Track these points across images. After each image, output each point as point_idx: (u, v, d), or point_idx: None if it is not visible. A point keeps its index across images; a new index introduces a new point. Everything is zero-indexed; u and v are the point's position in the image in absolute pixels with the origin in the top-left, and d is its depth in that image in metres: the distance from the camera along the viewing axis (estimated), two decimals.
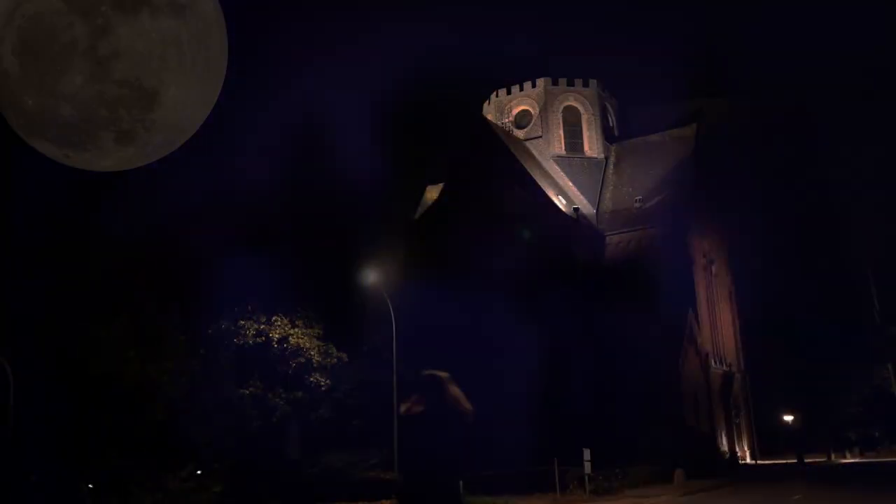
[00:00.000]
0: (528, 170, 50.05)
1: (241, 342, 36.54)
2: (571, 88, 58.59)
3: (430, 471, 4.83)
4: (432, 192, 55.43)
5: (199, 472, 25.21)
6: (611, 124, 59.87)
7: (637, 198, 52.26)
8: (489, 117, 57.99)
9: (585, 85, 58.85)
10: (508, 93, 60.02)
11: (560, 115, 57.64)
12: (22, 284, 40.93)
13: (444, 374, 5.15)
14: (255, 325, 37.14)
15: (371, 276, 34.00)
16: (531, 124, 57.93)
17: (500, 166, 49.29)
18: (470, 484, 22.31)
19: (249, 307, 37.84)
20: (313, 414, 37.64)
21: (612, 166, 56.00)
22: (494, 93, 60.86)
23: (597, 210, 53.45)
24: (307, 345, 37.56)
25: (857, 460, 53.30)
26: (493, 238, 46.63)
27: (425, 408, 5.01)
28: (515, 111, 58.95)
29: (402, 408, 5.11)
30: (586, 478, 26.50)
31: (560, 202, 49.65)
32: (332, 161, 53.83)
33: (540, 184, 49.47)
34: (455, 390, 5.12)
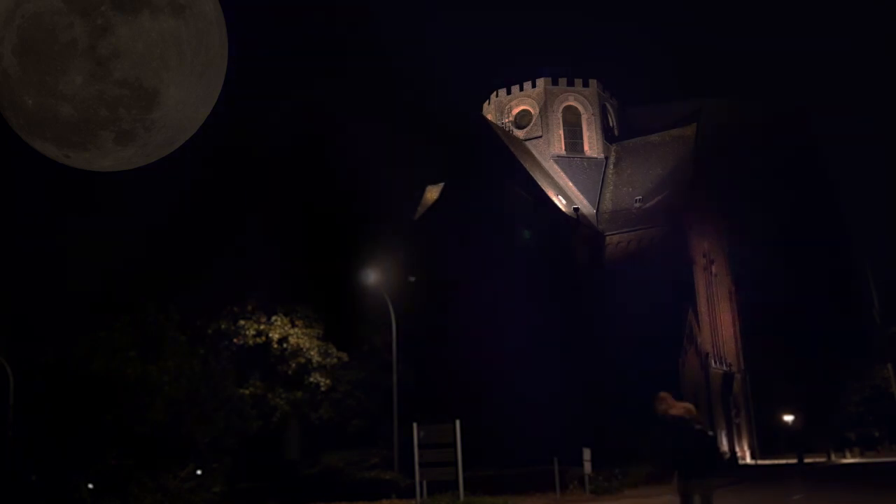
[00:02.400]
0: (528, 170, 50.03)
1: (241, 342, 36.55)
2: (571, 88, 58.58)
3: (700, 451, 9.23)
4: (432, 192, 55.40)
5: (199, 472, 25.19)
6: (611, 124, 59.86)
7: (637, 198, 52.26)
8: (489, 117, 57.98)
9: (585, 85, 58.84)
10: (508, 93, 60.02)
11: (560, 115, 57.63)
12: (22, 284, 40.94)
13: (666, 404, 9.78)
14: (255, 325, 37.15)
15: (371, 276, 33.98)
16: (531, 124, 57.92)
17: (500, 166, 49.29)
18: (470, 484, 22.31)
19: (249, 307, 37.86)
20: (313, 414, 37.64)
21: (612, 166, 55.99)
22: (494, 93, 60.86)
23: (597, 210, 53.44)
24: (307, 345, 37.56)
25: (857, 460, 53.25)
26: (493, 238, 46.62)
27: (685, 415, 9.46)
28: (515, 111, 58.93)
29: (663, 406, 9.70)
30: (586, 478, 26.49)
31: (560, 202, 49.64)
32: (332, 161, 53.81)
33: (540, 184, 49.46)
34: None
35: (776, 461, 49.64)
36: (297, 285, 40.01)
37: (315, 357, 37.63)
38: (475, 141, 51.63)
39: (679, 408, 9.72)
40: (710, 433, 10.10)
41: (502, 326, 44.21)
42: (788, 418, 57.18)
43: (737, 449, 48.63)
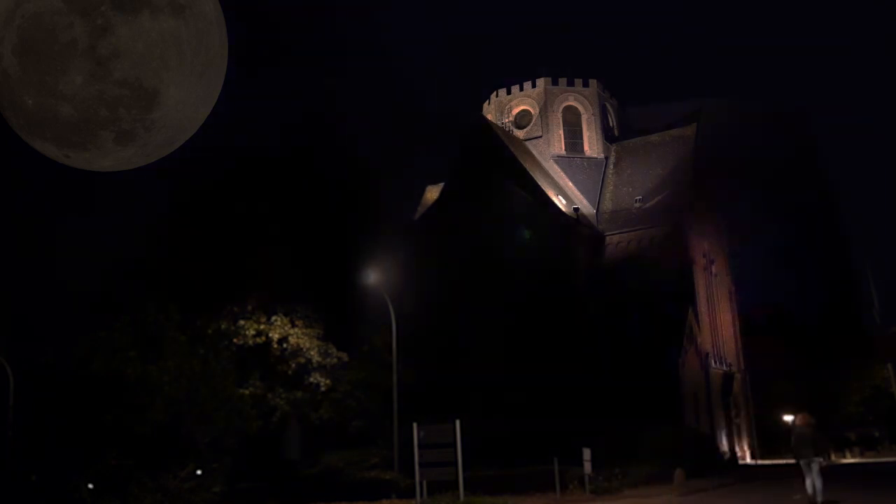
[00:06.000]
0: (528, 170, 50.00)
1: (241, 342, 36.57)
2: (571, 88, 58.53)
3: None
4: (432, 192, 55.39)
5: (199, 472, 25.19)
6: (611, 124, 59.83)
7: (637, 198, 52.23)
8: (489, 117, 57.97)
9: (585, 85, 58.81)
10: (508, 93, 59.99)
11: (560, 115, 57.59)
12: (22, 284, 40.94)
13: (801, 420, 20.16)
14: (255, 325, 37.17)
15: (371, 276, 33.97)
16: (531, 124, 57.89)
17: (500, 166, 49.26)
18: (470, 484, 22.30)
19: (249, 307, 37.88)
20: (313, 414, 37.67)
21: (612, 166, 55.96)
22: (494, 93, 60.85)
23: (597, 210, 53.41)
24: (307, 345, 37.59)
25: (857, 460, 53.23)
26: (493, 238, 46.61)
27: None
28: (515, 111, 58.90)
29: (811, 419, 20.51)
30: (586, 478, 26.48)
31: (560, 202, 49.63)
32: (333, 161, 53.82)
33: (540, 184, 49.44)
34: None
35: (776, 461, 49.62)
36: (297, 285, 40.01)
37: (315, 357, 37.65)
38: (475, 141, 51.60)
39: (811, 419, 19.86)
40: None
41: (502, 326, 44.21)
42: (788, 418, 57.09)
43: (737, 449, 48.62)
